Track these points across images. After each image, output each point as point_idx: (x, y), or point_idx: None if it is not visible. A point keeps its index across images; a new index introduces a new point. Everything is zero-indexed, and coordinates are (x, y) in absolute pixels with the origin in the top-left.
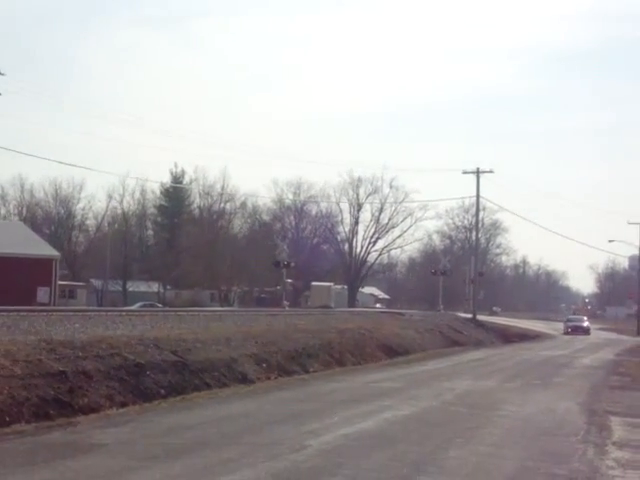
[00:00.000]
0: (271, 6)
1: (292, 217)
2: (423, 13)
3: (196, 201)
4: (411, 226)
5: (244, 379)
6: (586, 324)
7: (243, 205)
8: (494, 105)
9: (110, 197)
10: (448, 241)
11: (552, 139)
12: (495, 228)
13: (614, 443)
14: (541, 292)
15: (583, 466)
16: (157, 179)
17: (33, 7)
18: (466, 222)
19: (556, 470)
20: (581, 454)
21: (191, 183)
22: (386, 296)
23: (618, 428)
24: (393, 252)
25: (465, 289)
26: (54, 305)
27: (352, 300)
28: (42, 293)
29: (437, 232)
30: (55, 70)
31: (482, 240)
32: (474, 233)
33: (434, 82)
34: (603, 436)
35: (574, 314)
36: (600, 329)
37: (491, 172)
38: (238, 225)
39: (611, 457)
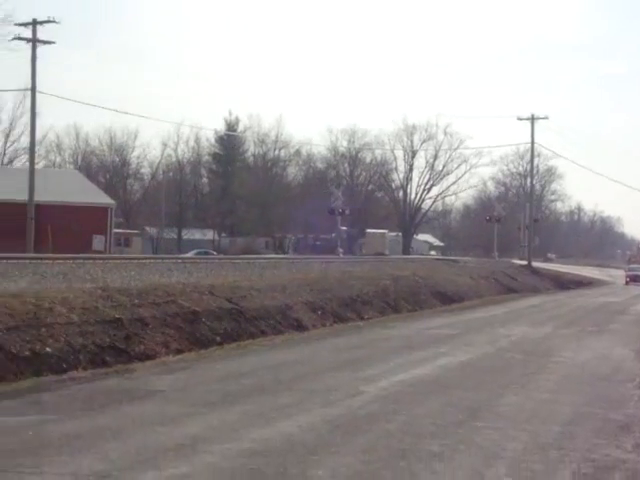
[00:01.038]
0: None
1: (346, 164)
2: None
3: (250, 149)
4: (465, 173)
5: (299, 326)
6: None
7: (297, 153)
8: (549, 52)
9: (165, 145)
10: (503, 188)
11: (607, 85)
12: (550, 174)
13: None
14: (596, 238)
15: (639, 411)
16: (211, 127)
17: None
18: (521, 169)
19: (612, 415)
20: (637, 400)
21: (245, 131)
22: (440, 243)
23: None
24: (447, 199)
25: (520, 236)
26: (110, 253)
27: (406, 247)
28: (98, 241)
29: (491, 179)
30: (109, 20)
31: (537, 187)
32: (529, 180)
33: (487, 29)
34: None
35: (630, 261)
36: None
37: (546, 118)
38: (292, 173)
39: None
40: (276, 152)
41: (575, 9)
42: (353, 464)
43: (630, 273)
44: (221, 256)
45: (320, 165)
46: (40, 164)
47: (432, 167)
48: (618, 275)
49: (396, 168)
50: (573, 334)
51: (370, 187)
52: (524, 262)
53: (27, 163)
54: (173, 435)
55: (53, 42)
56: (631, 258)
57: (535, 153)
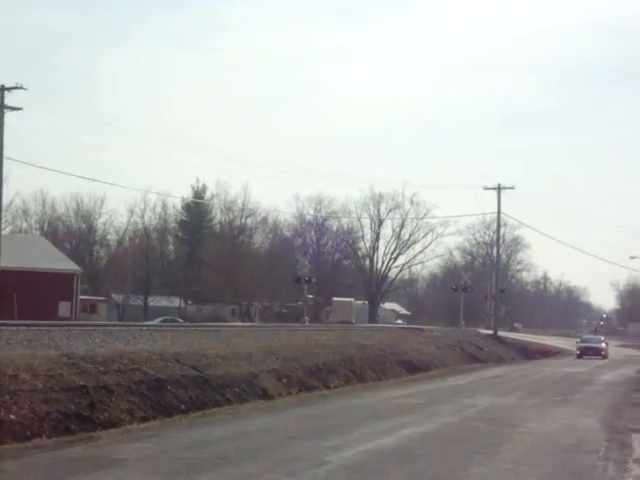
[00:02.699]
0: (290, 22)
1: (313, 232)
2: (441, 30)
3: (217, 216)
4: (432, 242)
5: (265, 394)
6: (602, 345)
7: (264, 220)
8: (514, 121)
9: (132, 212)
10: (469, 257)
11: (573, 155)
12: (516, 244)
13: (635, 460)
14: (562, 308)
15: None
16: (178, 194)
17: (56, 23)
18: (487, 238)
19: None
20: (602, 471)
21: (212, 198)
22: (407, 312)
23: (639, 445)
24: (414, 268)
25: (486, 305)
26: (75, 319)
27: (373, 316)
28: (63, 307)
29: (458, 248)
30: (77, 85)
31: (503, 256)
32: (495, 249)
33: (454, 99)
34: (624, 453)
35: (595, 330)
36: (621, 346)
37: (512, 188)
38: (259, 240)
39: (632, 474)
40: (243, 220)
41: (539, 79)
42: None
43: (581, 345)
44: (187, 324)
45: (287, 232)
46: (6, 230)
47: (399, 236)
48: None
49: (363, 236)
50: (538, 404)
51: (337, 255)
52: (490, 331)
53: None
54: None
55: (20, 108)
56: (597, 328)
57: (501, 222)
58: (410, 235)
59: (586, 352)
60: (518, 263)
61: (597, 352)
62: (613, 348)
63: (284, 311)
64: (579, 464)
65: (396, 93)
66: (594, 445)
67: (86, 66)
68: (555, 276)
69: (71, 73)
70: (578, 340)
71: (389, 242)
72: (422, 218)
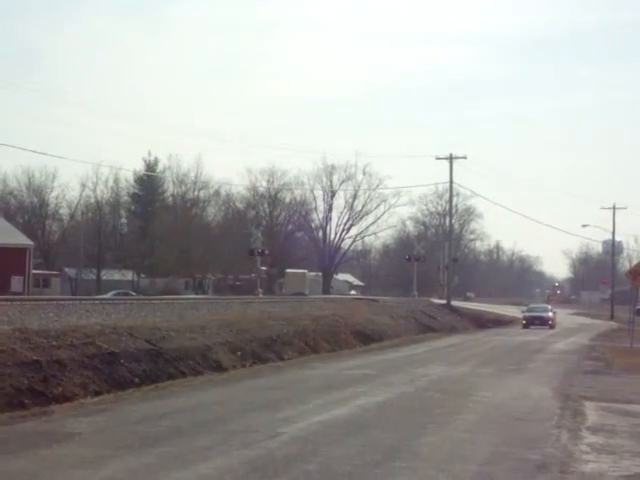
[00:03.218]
0: None
1: (266, 205)
2: None
3: (170, 189)
4: (385, 212)
5: (218, 367)
6: (549, 314)
7: (217, 193)
8: (465, 90)
9: (83, 186)
10: (422, 227)
11: (524, 124)
12: (469, 214)
13: (588, 428)
14: (515, 277)
15: (557, 451)
16: (130, 167)
17: None
18: (440, 208)
19: (530, 455)
20: (555, 439)
21: (164, 171)
22: (360, 283)
23: (592, 413)
24: (367, 239)
25: (439, 275)
26: (28, 294)
27: (327, 287)
28: (16, 282)
29: (411, 218)
30: (26, 60)
31: (456, 226)
32: (448, 219)
33: (404, 68)
34: (577, 421)
35: (548, 299)
36: (574, 314)
37: (464, 158)
38: (212, 213)
39: (585, 442)
40: (195, 192)
41: (490, 47)
42: None
43: (527, 315)
44: (140, 297)
45: (239, 205)
46: None
47: (351, 207)
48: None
49: (316, 208)
50: (491, 373)
51: (290, 227)
52: (443, 301)
53: None
54: (90, 478)
55: None
56: (549, 296)
57: (454, 192)
58: (363, 206)
59: (532, 322)
60: (471, 233)
61: (544, 322)
62: (566, 316)
63: (238, 283)
64: (533, 432)
65: (350, 62)
66: (548, 413)
67: (35, 39)
68: (508, 245)
69: (19, 46)
70: (524, 309)
71: (342, 213)
72: (375, 189)
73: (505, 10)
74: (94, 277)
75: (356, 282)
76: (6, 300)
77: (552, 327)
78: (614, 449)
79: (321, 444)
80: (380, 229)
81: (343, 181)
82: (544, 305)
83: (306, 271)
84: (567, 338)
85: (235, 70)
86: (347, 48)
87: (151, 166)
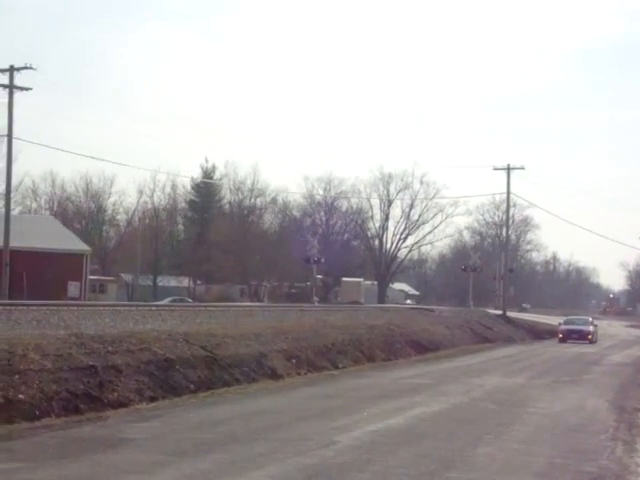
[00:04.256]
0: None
1: (322, 213)
2: (452, 10)
3: (227, 196)
4: (442, 222)
5: (273, 374)
6: (590, 328)
7: (274, 201)
8: (525, 102)
9: (141, 192)
10: (478, 237)
11: (582, 135)
12: (525, 224)
13: None
14: (571, 289)
15: (612, 464)
16: (188, 174)
17: (60, 4)
18: (496, 218)
19: (585, 467)
20: (610, 452)
21: (222, 178)
22: (416, 292)
23: None
24: (423, 248)
25: (495, 285)
26: (84, 300)
27: (382, 296)
28: (73, 288)
29: (467, 228)
30: (85, 66)
31: (512, 236)
32: (504, 229)
33: (465, 80)
34: (632, 433)
35: (605, 311)
36: (630, 326)
37: (522, 168)
38: (268, 220)
39: None
40: (252, 200)
41: (550, 59)
42: None
43: (564, 328)
44: (196, 304)
45: (296, 213)
46: (16, 210)
47: (408, 216)
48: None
49: (372, 217)
50: (547, 384)
51: (346, 236)
52: (499, 312)
53: (3, 209)
54: None
55: (30, 88)
56: (606, 308)
57: (511, 203)
58: (419, 215)
59: (570, 336)
60: (527, 243)
61: (583, 336)
62: (622, 328)
63: (293, 291)
64: (587, 444)
65: (403, 76)
66: (602, 425)
67: (92, 46)
68: (564, 256)
69: (77, 53)
70: (560, 322)
71: (398, 222)
72: (432, 198)
73: (562, 22)
74: (150, 283)
75: (412, 291)
76: (63, 305)
77: (592, 342)
78: None
79: (376, 453)
80: (437, 239)
81: (400, 190)
82: (584, 317)
83: (362, 280)
84: (623, 350)
85: (295, 76)
86: (404, 63)
87: (208, 173)
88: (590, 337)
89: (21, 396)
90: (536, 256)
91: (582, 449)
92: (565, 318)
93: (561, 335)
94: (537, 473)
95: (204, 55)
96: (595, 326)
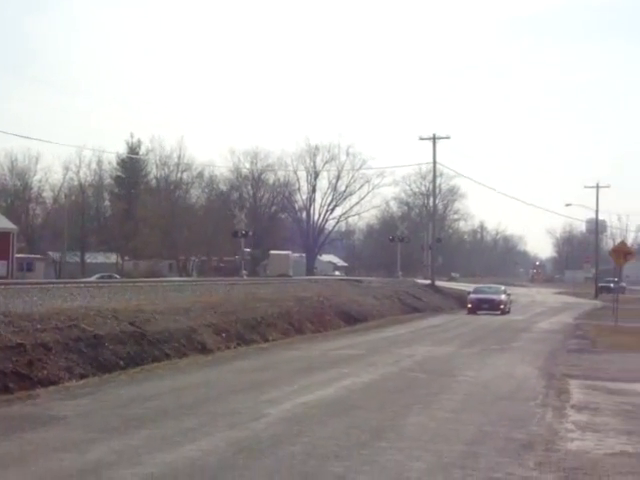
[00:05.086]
0: None
1: (249, 186)
2: None
3: (153, 171)
4: (368, 193)
5: (203, 349)
6: (502, 297)
7: (200, 175)
8: (449, 72)
9: (67, 169)
10: (405, 207)
11: (507, 104)
12: (452, 194)
13: (573, 406)
14: (499, 257)
15: (542, 429)
16: (113, 150)
17: None
18: (423, 188)
19: (515, 434)
20: (540, 418)
21: (147, 153)
22: (344, 263)
23: (577, 391)
24: (351, 219)
25: (423, 255)
26: (12, 278)
27: (310, 268)
28: (0, 266)
29: (394, 199)
30: (9, 42)
31: (440, 206)
32: (431, 199)
33: (391, 49)
34: (562, 399)
35: (532, 278)
36: (558, 293)
37: (447, 138)
38: (195, 195)
39: (570, 420)
40: (178, 175)
41: (473, 28)
42: None
43: (474, 297)
44: (124, 279)
45: (223, 187)
46: None
47: (335, 188)
48: (520, 293)
49: (299, 189)
50: (476, 353)
51: (273, 208)
52: (428, 281)
53: None
54: (76, 461)
55: None
56: (534, 276)
57: (437, 173)
58: (346, 187)
59: (479, 306)
60: (455, 213)
61: (494, 306)
62: (550, 295)
63: (222, 265)
64: (518, 411)
65: (334, 43)
66: (532, 392)
67: (15, 22)
68: (492, 225)
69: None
70: (469, 291)
71: (325, 194)
72: (358, 169)
73: None
74: (78, 260)
75: (340, 263)
76: None
77: (504, 312)
78: (599, 427)
79: (306, 425)
80: (364, 210)
81: (326, 162)
82: (496, 286)
83: (290, 252)
84: (551, 317)
85: (218, 48)
86: (334, 28)
87: (134, 148)
88: (502, 307)
89: None
90: (464, 225)
91: (512, 416)
92: (475, 286)
93: (470, 305)
94: (467, 441)
95: (127, 26)
96: (508, 295)
